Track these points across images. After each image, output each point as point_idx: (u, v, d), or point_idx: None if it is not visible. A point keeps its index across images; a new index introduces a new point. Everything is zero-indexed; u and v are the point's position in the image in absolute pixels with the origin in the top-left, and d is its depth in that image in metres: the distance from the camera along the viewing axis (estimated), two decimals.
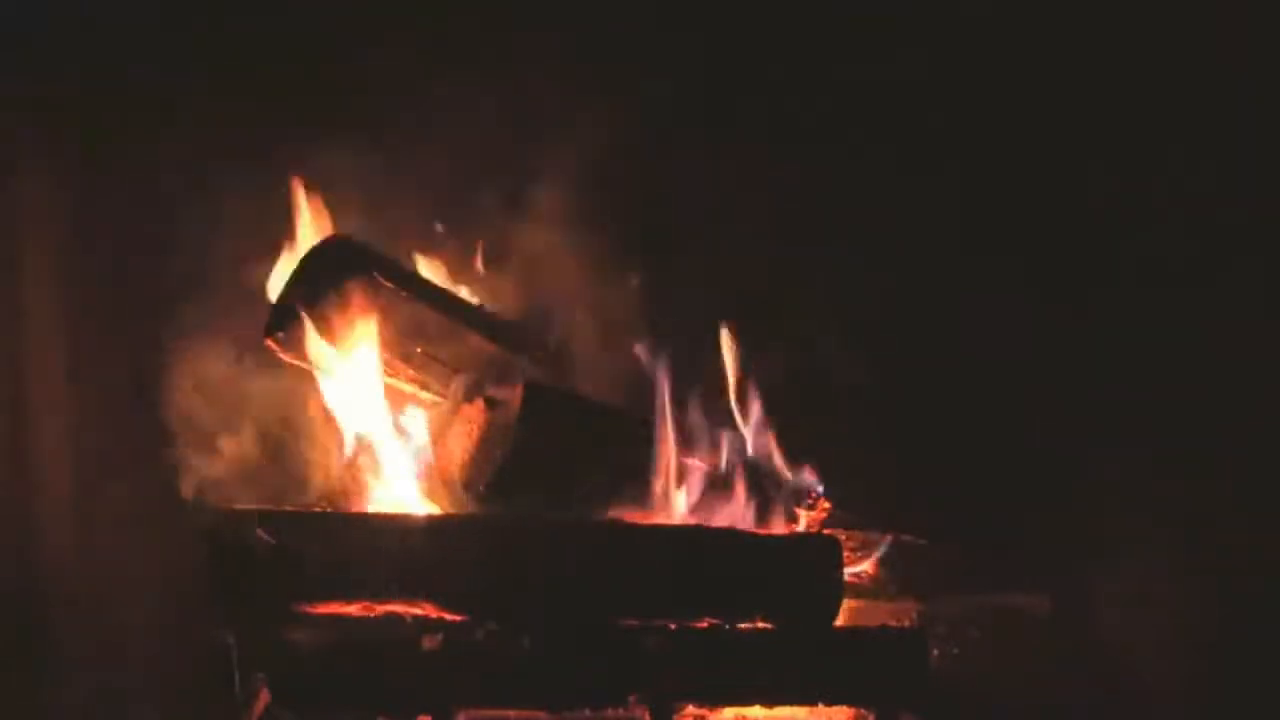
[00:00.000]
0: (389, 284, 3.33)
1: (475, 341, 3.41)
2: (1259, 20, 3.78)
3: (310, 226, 3.43)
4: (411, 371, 3.39)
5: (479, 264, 3.67)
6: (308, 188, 3.45)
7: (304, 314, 3.30)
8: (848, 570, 3.30)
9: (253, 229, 3.51)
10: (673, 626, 3.13)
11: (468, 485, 3.29)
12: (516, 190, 3.72)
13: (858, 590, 3.37)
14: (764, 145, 3.85)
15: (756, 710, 3.14)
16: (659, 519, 3.30)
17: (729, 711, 3.15)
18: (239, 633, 3.02)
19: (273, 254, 3.45)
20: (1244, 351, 3.75)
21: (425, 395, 3.43)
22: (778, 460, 3.45)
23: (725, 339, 3.57)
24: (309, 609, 3.03)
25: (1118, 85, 3.86)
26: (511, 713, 3.07)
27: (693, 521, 3.32)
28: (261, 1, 3.76)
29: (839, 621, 3.22)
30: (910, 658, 3.19)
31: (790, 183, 3.85)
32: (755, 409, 3.49)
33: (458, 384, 3.40)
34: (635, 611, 3.14)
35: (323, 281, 3.30)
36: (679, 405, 3.39)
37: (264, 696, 3.02)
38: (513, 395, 3.29)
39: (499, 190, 3.74)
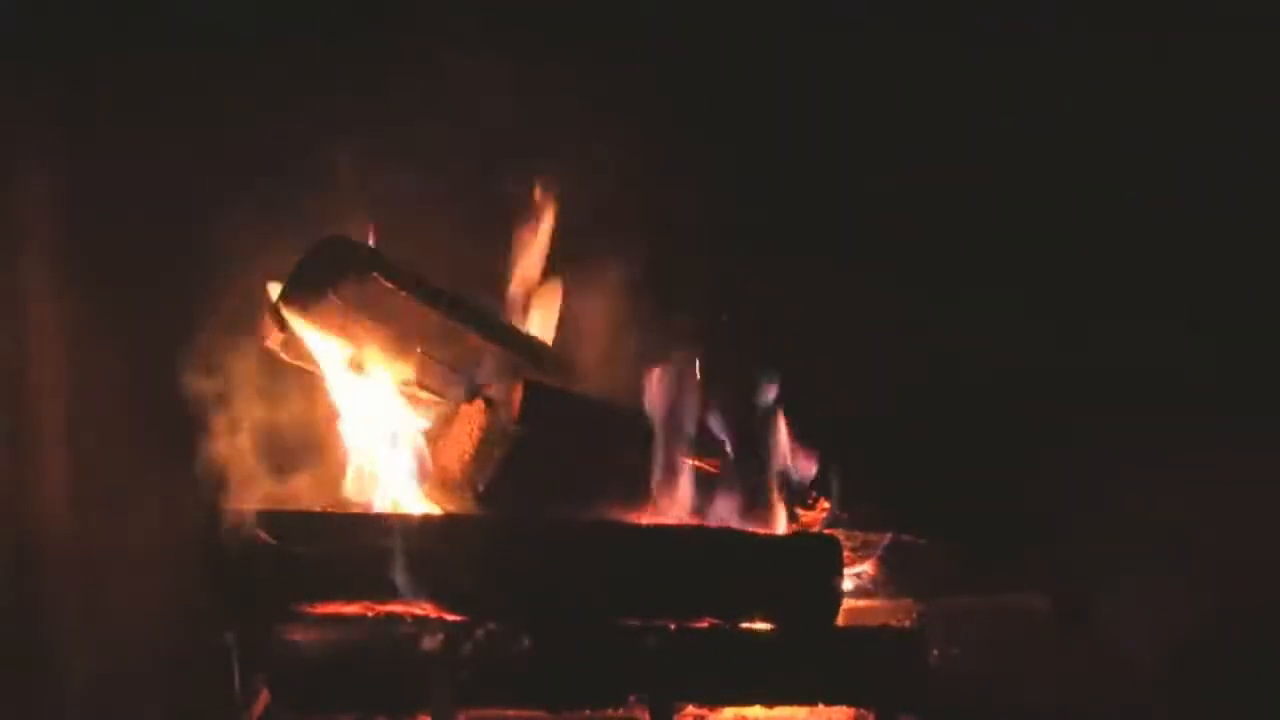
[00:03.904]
0: (389, 284, 3.33)
1: (475, 341, 3.41)
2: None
3: None
4: (411, 371, 3.39)
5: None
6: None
7: (304, 314, 3.30)
8: (848, 570, 3.30)
9: (255, 226, 3.51)
10: (673, 626, 3.13)
11: (468, 485, 3.29)
12: (516, 190, 3.72)
13: (858, 590, 3.37)
14: (766, 150, 3.85)
15: (756, 710, 3.14)
16: (659, 519, 3.30)
17: (729, 711, 3.15)
18: (239, 633, 3.02)
19: (276, 252, 3.45)
20: (1245, 351, 3.75)
21: (425, 395, 3.43)
22: (778, 460, 3.45)
23: (728, 339, 3.57)
24: (309, 609, 3.04)
25: (1116, 97, 3.87)
26: (511, 713, 3.07)
27: (693, 521, 3.32)
28: None
29: (839, 621, 3.22)
30: (910, 658, 3.19)
31: (795, 189, 3.85)
32: (756, 409, 3.49)
33: (459, 384, 3.41)
34: (635, 611, 3.14)
35: (323, 282, 3.30)
36: (680, 405, 3.38)
37: (264, 696, 3.02)
38: (513, 395, 3.29)
39: (498, 190, 3.74)
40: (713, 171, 3.83)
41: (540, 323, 3.59)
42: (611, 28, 3.81)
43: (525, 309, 3.59)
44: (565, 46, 3.77)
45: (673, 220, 3.83)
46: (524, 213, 3.64)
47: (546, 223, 3.63)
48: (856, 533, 3.43)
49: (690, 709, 3.12)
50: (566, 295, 3.61)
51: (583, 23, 3.79)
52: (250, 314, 3.41)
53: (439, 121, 3.68)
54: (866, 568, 3.42)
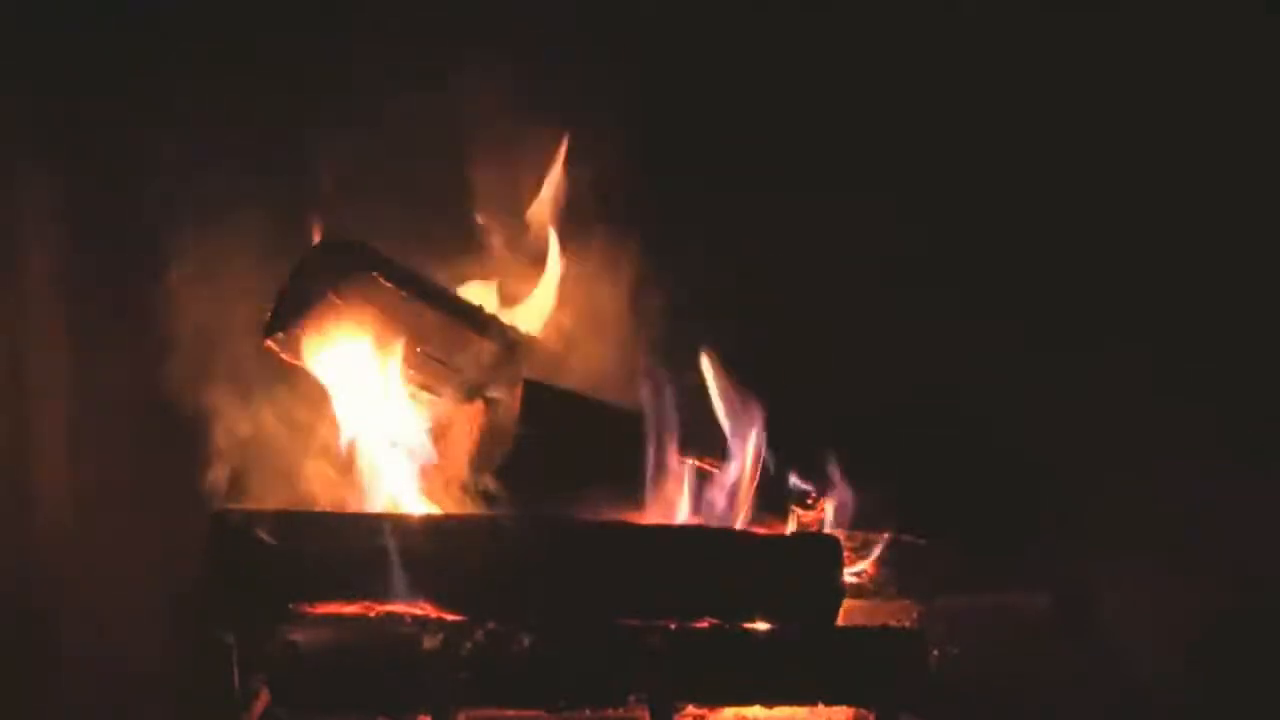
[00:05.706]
0: (388, 284, 3.33)
1: (475, 341, 3.41)
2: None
3: None
4: (411, 372, 3.39)
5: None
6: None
7: (303, 315, 3.30)
8: (848, 570, 3.31)
9: (254, 227, 3.51)
10: (673, 626, 3.13)
11: (468, 485, 3.29)
12: (514, 189, 3.72)
13: (858, 590, 3.38)
14: (763, 153, 3.85)
15: (756, 710, 3.14)
16: (659, 519, 3.30)
17: (729, 711, 3.15)
18: (239, 633, 3.02)
19: (275, 253, 3.45)
20: (1244, 348, 3.75)
21: (425, 395, 3.43)
22: (778, 460, 3.45)
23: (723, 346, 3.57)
24: (309, 609, 3.03)
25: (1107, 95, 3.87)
26: (511, 713, 3.07)
27: (693, 521, 3.32)
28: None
29: (839, 621, 3.22)
30: (910, 658, 3.19)
31: (790, 189, 3.85)
32: (755, 409, 3.49)
33: (458, 384, 3.41)
34: (635, 611, 3.14)
35: (322, 282, 3.30)
36: (679, 405, 3.38)
37: (264, 696, 3.02)
38: (513, 395, 3.29)
39: (496, 190, 3.74)
40: (709, 167, 3.84)
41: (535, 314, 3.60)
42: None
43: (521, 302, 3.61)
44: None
45: (670, 217, 3.84)
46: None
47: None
48: (856, 533, 3.43)
49: (690, 709, 3.12)
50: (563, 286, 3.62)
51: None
52: (250, 313, 3.41)
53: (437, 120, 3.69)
54: (866, 568, 3.43)
